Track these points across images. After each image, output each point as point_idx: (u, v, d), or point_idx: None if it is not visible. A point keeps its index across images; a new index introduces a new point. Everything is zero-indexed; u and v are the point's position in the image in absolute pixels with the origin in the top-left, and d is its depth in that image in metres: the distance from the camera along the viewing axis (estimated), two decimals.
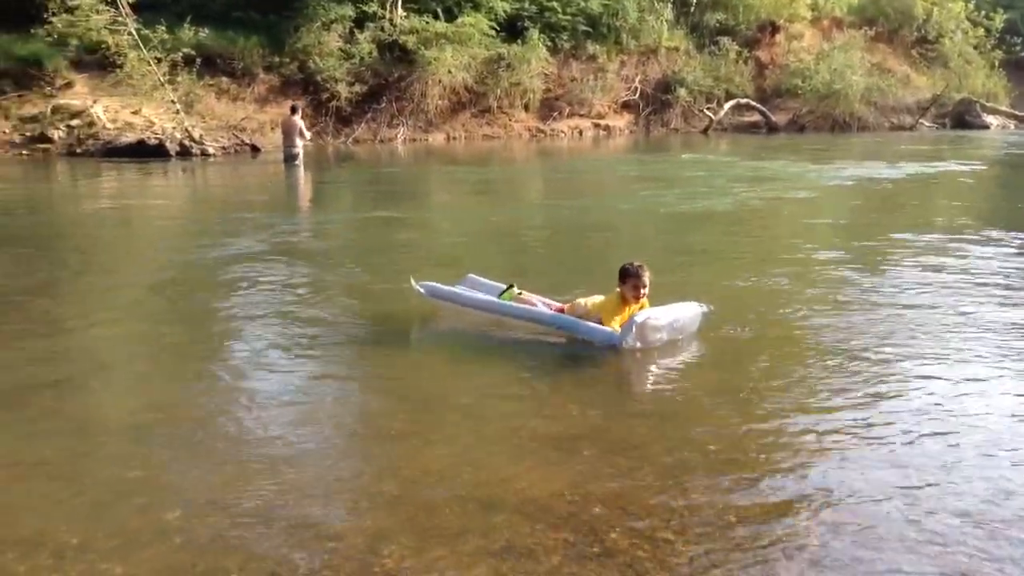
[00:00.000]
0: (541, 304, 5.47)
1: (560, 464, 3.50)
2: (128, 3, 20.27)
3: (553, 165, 20.29)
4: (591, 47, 30.05)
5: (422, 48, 25.38)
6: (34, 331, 5.53)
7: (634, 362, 4.89)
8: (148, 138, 19.95)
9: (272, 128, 22.08)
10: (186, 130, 20.60)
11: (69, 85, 22.42)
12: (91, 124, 20.73)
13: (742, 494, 3.25)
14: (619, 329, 4.95)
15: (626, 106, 30.91)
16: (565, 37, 29.43)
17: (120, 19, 20.16)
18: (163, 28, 21.14)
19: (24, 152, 20.26)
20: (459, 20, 26.50)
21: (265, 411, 4.07)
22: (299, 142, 17.88)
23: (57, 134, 20.66)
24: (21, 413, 4.09)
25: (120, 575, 2.71)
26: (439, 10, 26.83)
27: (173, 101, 21.01)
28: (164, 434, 3.83)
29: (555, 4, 28.97)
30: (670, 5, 31.86)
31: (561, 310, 5.34)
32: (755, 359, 4.87)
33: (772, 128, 30.20)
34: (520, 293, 5.60)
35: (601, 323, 5.03)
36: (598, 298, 5.24)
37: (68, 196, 14.48)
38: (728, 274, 7.24)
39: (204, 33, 22.54)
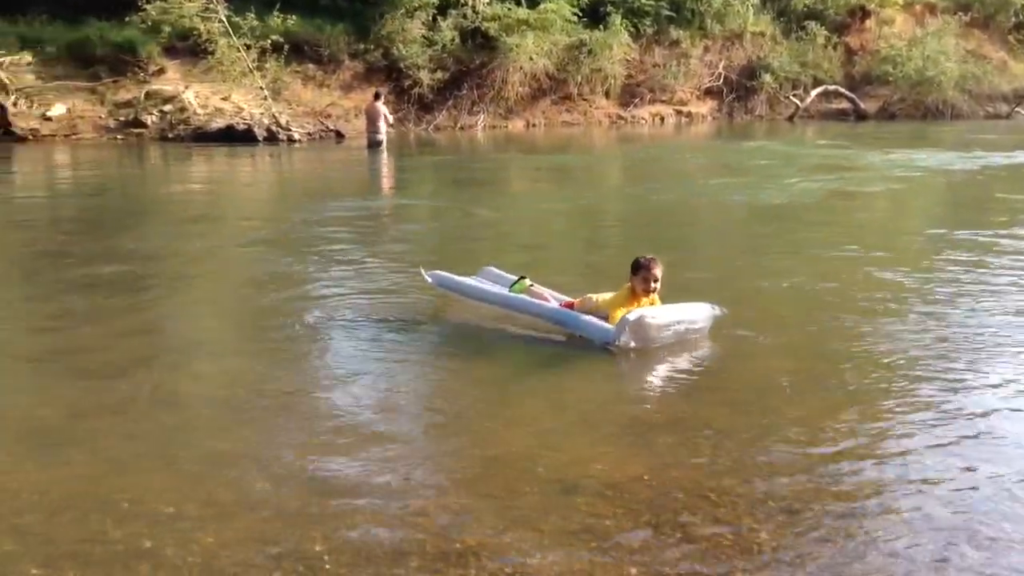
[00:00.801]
0: (552, 298, 5.28)
1: (639, 449, 3.50)
2: None
3: (632, 152, 20.14)
4: (674, 32, 29.63)
5: (503, 35, 25.40)
6: (129, 307, 5.75)
7: (712, 349, 4.85)
8: (237, 124, 20.43)
9: (356, 115, 22.39)
10: (273, 116, 21.03)
11: (162, 71, 23.09)
12: (182, 110, 21.34)
13: (826, 484, 3.21)
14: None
15: (709, 92, 30.43)
16: (648, 22, 29.08)
17: (211, 6, 20.70)
18: (252, 15, 21.65)
19: (119, 136, 20.96)
20: (541, 6, 26.42)
21: (348, 388, 4.17)
22: (383, 128, 18.13)
23: (150, 119, 21.32)
24: (117, 384, 4.26)
25: (212, 544, 2.81)
26: None
27: (261, 87, 21.48)
28: (252, 408, 3.95)
29: None
30: None
31: (571, 305, 5.14)
32: (834, 349, 4.79)
33: (861, 116, 29.39)
34: (531, 285, 5.41)
35: (607, 319, 4.79)
36: (611, 294, 5.02)
37: (160, 179, 14.97)
38: (805, 266, 7.11)
39: (292, 20, 22.96)
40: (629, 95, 28.83)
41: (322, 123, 22.77)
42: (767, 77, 29.77)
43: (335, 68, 25.13)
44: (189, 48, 22.40)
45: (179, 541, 2.81)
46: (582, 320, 4.87)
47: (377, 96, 18.69)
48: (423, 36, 25.29)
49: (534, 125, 26.74)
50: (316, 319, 5.42)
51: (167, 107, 21.55)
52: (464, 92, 25.94)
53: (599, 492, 3.13)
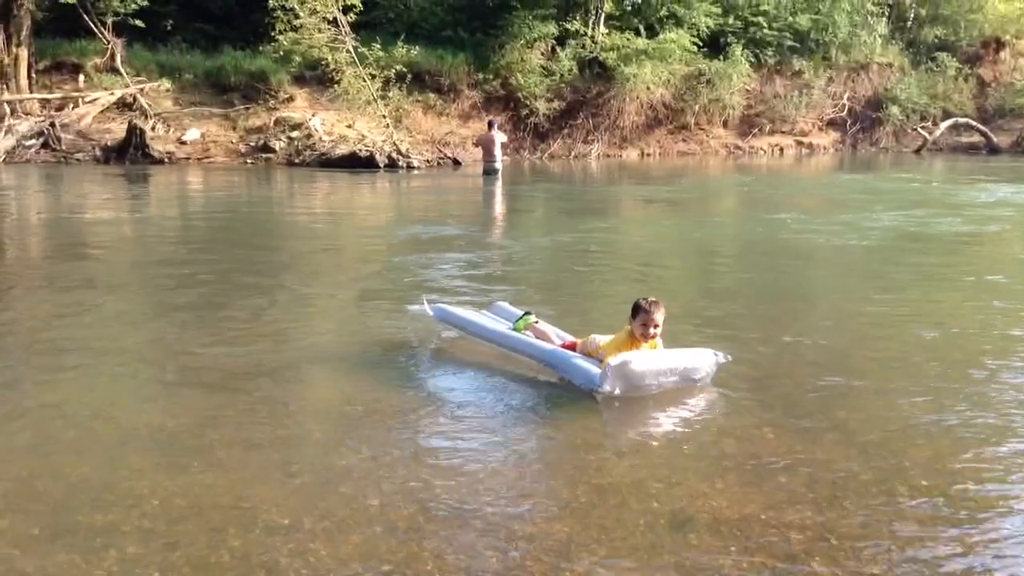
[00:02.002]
0: (556, 337, 5.03)
1: (755, 487, 3.40)
2: (348, 22, 21.51)
3: (749, 183, 19.78)
4: (797, 62, 29.14)
5: (621, 65, 25.46)
6: (252, 321, 5.96)
7: (831, 387, 4.68)
8: (359, 150, 21.04)
9: (474, 144, 22.79)
10: (394, 144, 21.58)
11: (291, 99, 24.07)
12: (309, 136, 22.14)
13: (955, 532, 3.05)
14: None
15: (832, 123, 29.76)
16: (770, 52, 28.70)
17: (340, 37, 21.43)
18: (378, 46, 22.36)
19: (248, 161, 21.89)
20: (660, 36, 26.39)
21: (462, 411, 4.21)
22: (498, 156, 18.36)
23: (278, 145, 22.20)
24: (239, 397, 4.42)
25: (326, 556, 2.86)
26: (641, 27, 26.85)
27: (384, 116, 22.09)
28: (366, 424, 4.02)
29: (761, 19, 28.31)
30: (885, 19, 30.38)
31: (573, 345, 4.88)
32: (962, 392, 4.55)
33: (993, 150, 28.13)
34: (536, 322, 5.18)
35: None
36: (623, 331, 4.71)
37: (285, 201, 15.52)
38: (930, 307, 6.82)
39: (415, 51, 23.58)
40: (748, 125, 28.46)
41: (440, 151, 23.25)
42: (894, 109, 28.92)
43: (455, 97, 25.67)
44: (317, 77, 23.31)
45: (294, 552, 2.87)
46: (571, 363, 4.62)
47: (491, 125, 18.98)
48: (541, 66, 25.59)
49: (649, 154, 26.63)
50: (426, 341, 5.49)
51: (295, 133, 22.40)
52: (579, 121, 26.09)
53: (712, 528, 3.05)
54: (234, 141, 22.80)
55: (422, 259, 8.57)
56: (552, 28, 25.77)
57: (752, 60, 27.90)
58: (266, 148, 22.19)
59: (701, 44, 27.02)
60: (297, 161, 21.49)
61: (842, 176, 21.49)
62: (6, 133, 20.96)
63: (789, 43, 28.85)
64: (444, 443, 3.83)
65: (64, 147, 21.39)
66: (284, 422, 4.12)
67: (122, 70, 23.76)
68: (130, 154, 20.95)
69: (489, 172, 18.30)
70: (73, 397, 4.42)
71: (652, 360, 4.46)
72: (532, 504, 3.25)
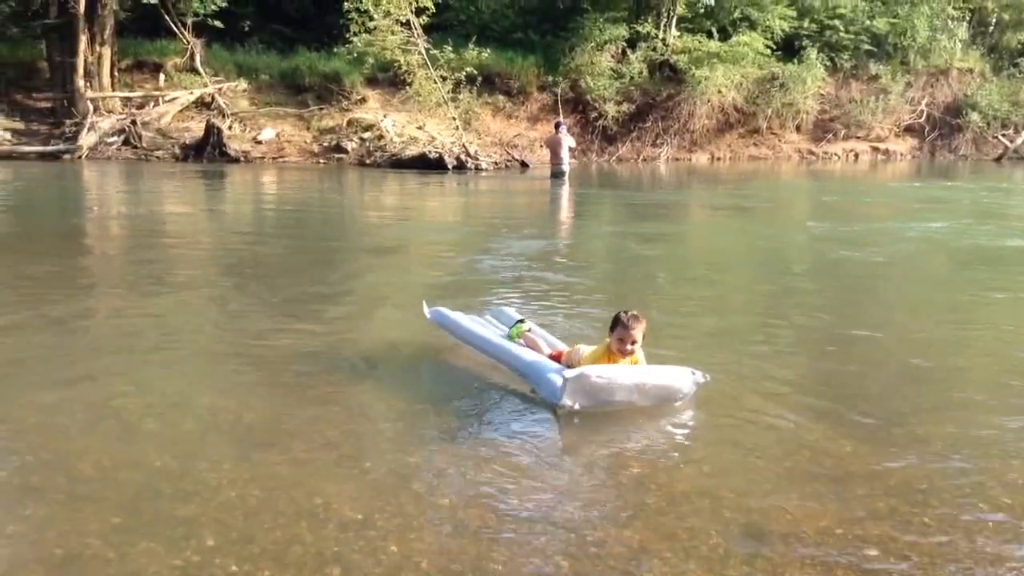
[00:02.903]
0: (546, 345, 4.84)
1: (830, 500, 3.33)
2: (420, 25, 21.73)
3: (823, 189, 19.42)
4: (874, 67, 28.53)
5: (693, 67, 25.24)
6: (324, 316, 6.05)
7: (914, 401, 4.57)
8: (429, 152, 21.25)
9: (540, 145, 22.82)
10: (463, 145, 21.73)
11: (363, 100, 24.42)
12: (380, 137, 22.44)
13: None
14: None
15: (909, 130, 29.05)
16: (846, 56, 28.16)
17: (412, 40, 21.67)
18: (450, 48, 22.55)
19: (321, 161, 22.26)
20: (733, 39, 26.10)
21: (530, 414, 4.20)
22: (566, 158, 18.33)
23: (350, 145, 22.54)
24: (314, 393, 4.49)
25: (396, 554, 2.89)
26: (714, 29, 26.59)
27: (454, 118, 22.26)
28: (438, 424, 4.04)
29: (837, 23, 27.80)
30: (965, 24, 29.55)
31: (559, 356, 4.68)
32: None
33: None
34: (528, 330, 5.01)
35: None
36: (602, 344, 4.50)
37: (356, 200, 15.75)
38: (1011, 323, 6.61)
39: (486, 54, 23.71)
40: (822, 130, 27.97)
41: (508, 153, 23.33)
42: (974, 115, 28.11)
43: (524, 100, 25.76)
44: (389, 79, 23.61)
45: (366, 549, 2.91)
46: (541, 376, 4.34)
47: (558, 127, 18.95)
48: (611, 69, 25.51)
49: (719, 159, 26.35)
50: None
51: (366, 134, 22.72)
52: (648, 124, 25.94)
53: (787, 541, 3.00)
54: (308, 141, 23.22)
55: (486, 260, 8.61)
56: (623, 30, 25.68)
57: (827, 64, 27.41)
58: (339, 148, 22.54)
59: (775, 47, 26.65)
60: (368, 162, 21.78)
61: (919, 184, 20.95)
62: (89, 130, 21.67)
63: (866, 47, 28.26)
64: (513, 445, 3.83)
65: (144, 144, 22.03)
66: (356, 418, 4.18)
67: (201, 70, 24.38)
68: (207, 152, 21.48)
69: (556, 175, 18.29)
70: (153, 389, 4.54)
71: (614, 375, 4.19)
72: (601, 510, 3.24)
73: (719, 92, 25.56)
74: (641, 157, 25.59)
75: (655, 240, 10.59)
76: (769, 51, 26.42)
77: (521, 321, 5.15)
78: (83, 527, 3.02)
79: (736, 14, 27.05)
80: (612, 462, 3.70)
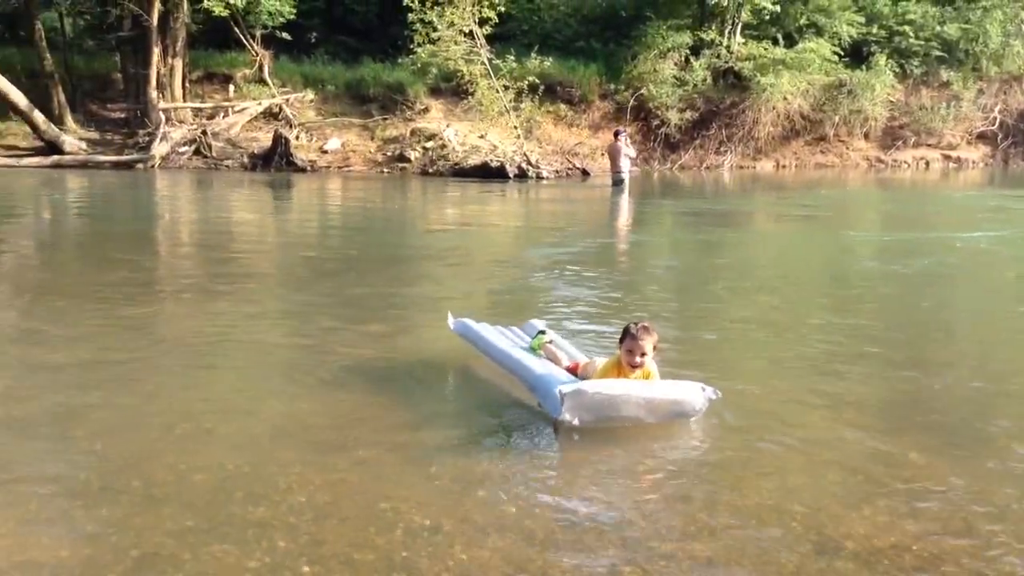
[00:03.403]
0: (566, 358, 4.73)
1: (905, 516, 3.25)
2: (483, 35, 21.88)
3: (893, 197, 19.01)
4: (944, 73, 27.88)
5: (758, 74, 24.96)
6: (390, 322, 6.11)
7: (990, 416, 4.43)
8: (491, 161, 21.36)
9: (602, 153, 22.78)
10: (524, 154, 21.79)
11: (426, 110, 24.67)
12: (443, 146, 22.62)
13: None
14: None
15: (982, 137, 28.31)
16: (916, 63, 27.57)
17: (476, 50, 21.83)
18: (512, 58, 22.66)
19: (385, 170, 22.54)
20: (799, 46, 25.76)
21: (589, 429, 4.18)
22: (625, 167, 18.24)
23: (414, 155, 22.76)
24: (382, 399, 4.54)
25: (464, 561, 2.90)
26: (779, 36, 26.27)
27: (516, 127, 22.33)
28: (503, 432, 4.05)
29: (907, 28, 27.24)
30: None
31: (575, 368, 4.56)
32: None
33: None
34: (549, 342, 4.88)
35: None
36: (613, 357, 4.37)
37: (419, 208, 15.89)
38: None
39: (548, 62, 23.76)
40: (890, 138, 27.42)
41: (569, 161, 23.32)
42: None
43: (585, 108, 25.75)
44: (452, 89, 23.82)
45: (434, 555, 2.93)
46: (547, 390, 4.18)
47: (617, 135, 18.87)
48: (674, 76, 25.35)
49: (784, 166, 25.99)
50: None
51: (429, 144, 22.93)
52: (712, 132, 25.73)
53: (860, 557, 2.93)
54: (372, 151, 23.53)
55: (539, 269, 8.62)
56: (687, 38, 25.52)
57: (896, 70, 26.86)
58: (402, 158, 22.79)
59: (842, 54, 26.22)
60: (431, 171, 21.98)
61: (993, 192, 20.38)
62: (162, 140, 22.26)
63: (937, 53, 27.63)
64: (581, 455, 3.82)
65: (214, 154, 22.56)
66: (420, 424, 4.20)
67: (269, 81, 24.89)
68: (275, 162, 21.90)
69: (615, 183, 18.25)
70: (224, 393, 4.64)
71: (618, 390, 4.02)
72: (669, 523, 3.21)
73: (785, 99, 25.23)
74: (704, 165, 25.36)
75: (715, 249, 10.49)
76: (836, 58, 25.99)
77: (542, 332, 5.01)
78: (158, 528, 3.09)
79: (802, 20, 26.69)
80: (680, 475, 3.66)
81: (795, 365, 5.31)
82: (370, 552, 2.94)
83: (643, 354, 4.14)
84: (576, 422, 3.98)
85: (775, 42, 26.20)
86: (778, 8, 25.68)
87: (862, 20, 26.92)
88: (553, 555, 2.93)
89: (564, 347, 4.92)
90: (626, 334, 4.20)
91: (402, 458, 3.74)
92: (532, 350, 4.86)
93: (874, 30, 27.29)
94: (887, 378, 5.11)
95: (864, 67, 26.37)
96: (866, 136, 27.20)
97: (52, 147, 22.70)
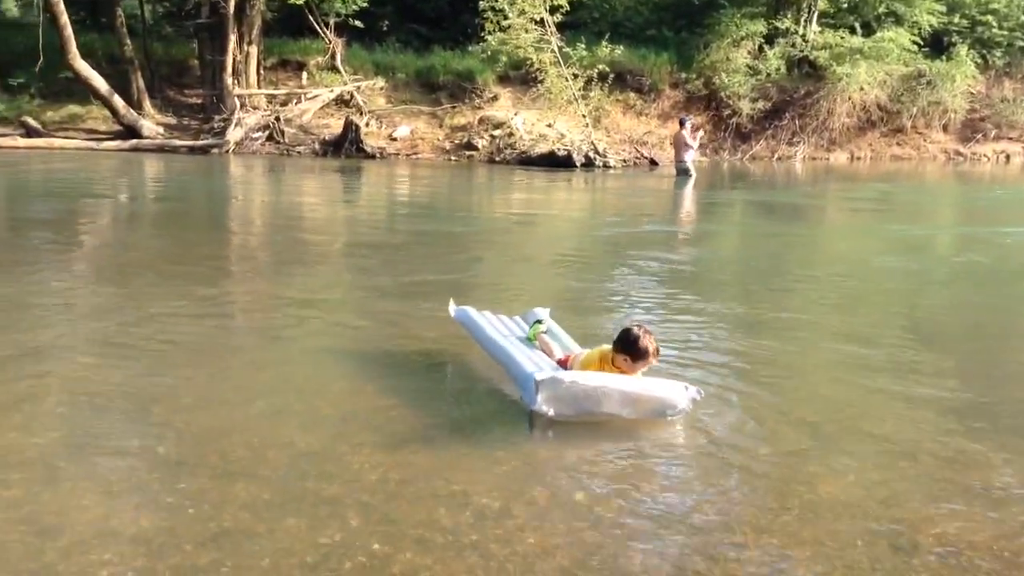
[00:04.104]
0: (559, 348, 4.57)
1: (984, 515, 3.15)
2: (554, 23, 21.80)
3: (971, 191, 18.45)
4: None
5: (834, 64, 24.41)
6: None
7: None
8: (558, 149, 21.29)
9: (670, 143, 22.55)
10: (592, 143, 21.67)
11: (495, 98, 24.69)
12: (510, 135, 22.61)
13: None
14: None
15: None
16: (999, 54, 26.68)
17: (546, 37, 21.76)
18: (583, 46, 22.53)
19: (452, 158, 22.63)
20: (878, 35, 25.10)
21: (663, 420, 4.15)
22: (688, 156, 17.99)
23: (481, 143, 22.81)
24: (449, 382, 4.59)
25: (533, 545, 2.91)
26: (857, 25, 25.65)
27: (584, 115, 22.22)
28: (560, 421, 4.04)
29: (990, 18, 26.35)
30: None
31: (566, 360, 4.39)
32: None
33: None
34: (545, 331, 4.74)
35: None
36: (597, 350, 4.23)
37: (485, 196, 15.94)
38: None
39: (619, 51, 23.57)
40: (970, 130, 26.58)
41: (637, 151, 23.13)
42: None
43: (655, 97, 25.49)
44: (521, 77, 23.80)
45: (503, 539, 2.94)
46: (525, 381, 4.04)
47: (682, 123, 18.59)
48: (747, 65, 24.94)
49: (859, 158, 25.41)
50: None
51: (497, 132, 22.94)
52: (785, 122, 25.25)
53: (939, 556, 2.86)
54: (440, 138, 23.65)
55: (607, 257, 8.57)
56: (761, 26, 25.05)
57: (978, 61, 26.01)
58: (469, 146, 22.86)
59: (922, 43, 25.48)
60: (498, 159, 22.00)
61: None
62: (236, 125, 22.68)
63: (1021, 44, 26.68)
64: (649, 443, 3.80)
65: (287, 140, 22.90)
66: (489, 409, 4.22)
67: (341, 68, 25.18)
68: (345, 148, 22.14)
69: (679, 172, 18.04)
70: (296, 373, 4.72)
71: (596, 381, 3.88)
72: (740, 513, 3.17)
73: (861, 89, 24.62)
74: (776, 156, 24.93)
75: (781, 243, 10.31)
76: (916, 47, 25.27)
77: (539, 322, 4.84)
78: (234, 501, 3.16)
79: (881, 9, 26.01)
80: (751, 467, 3.61)
81: (867, 362, 5.19)
82: (439, 533, 2.97)
83: (642, 369, 4.07)
84: (551, 413, 3.86)
85: (852, 31, 25.57)
86: None
87: (943, 9, 26.12)
88: (622, 543, 2.92)
89: (561, 338, 4.76)
90: (638, 350, 4.01)
91: (470, 442, 3.77)
92: (529, 340, 4.73)
93: (956, 19, 26.47)
94: (966, 375, 4.96)
95: (944, 57, 25.60)
96: (944, 128, 26.41)
97: (131, 131, 23.31)
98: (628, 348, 4.02)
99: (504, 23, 21.76)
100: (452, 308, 5.32)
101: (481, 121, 23.60)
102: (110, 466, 3.47)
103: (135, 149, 22.42)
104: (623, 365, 4.03)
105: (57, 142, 22.84)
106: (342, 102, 24.80)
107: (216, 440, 3.72)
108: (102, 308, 6.20)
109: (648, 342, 4.01)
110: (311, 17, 24.80)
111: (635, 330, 4.07)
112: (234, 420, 3.96)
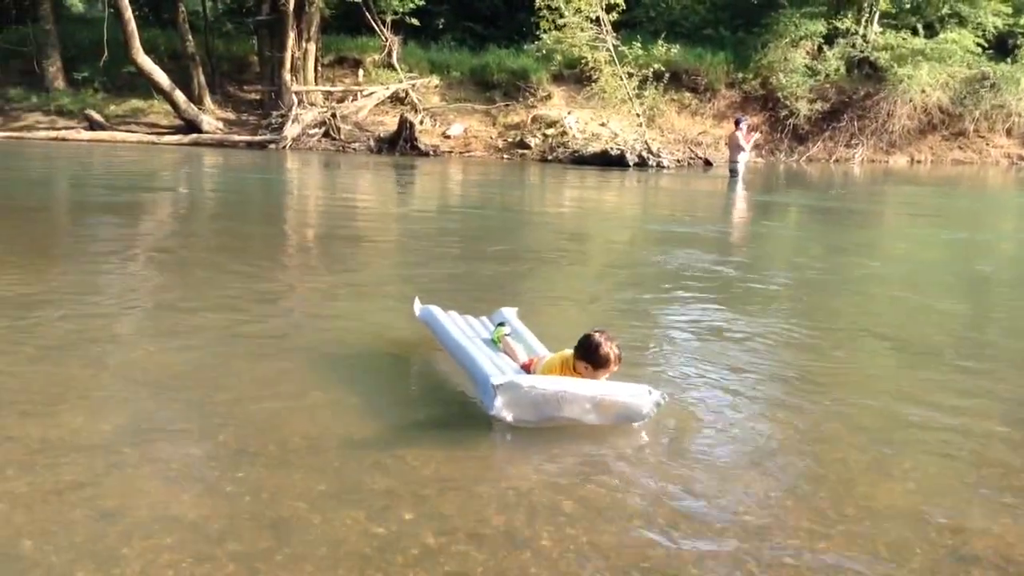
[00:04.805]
0: (523, 351, 4.45)
1: None
2: (610, 21, 21.73)
3: None
4: None
5: (895, 65, 23.97)
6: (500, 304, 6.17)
7: None
8: (611, 149, 21.22)
9: (725, 143, 22.35)
10: (645, 143, 21.55)
11: (548, 97, 24.69)
12: (563, 134, 22.60)
13: None
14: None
15: None
16: None
17: (601, 36, 21.70)
18: (639, 45, 22.42)
19: (505, 156, 22.69)
20: (940, 36, 24.60)
21: (718, 415, 4.11)
22: (740, 157, 17.78)
23: (534, 141, 22.83)
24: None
25: (585, 544, 2.91)
26: (919, 25, 25.16)
27: (638, 115, 22.12)
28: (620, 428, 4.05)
29: None
30: None
31: (529, 364, 4.28)
32: None
33: None
34: (509, 333, 4.62)
35: None
36: (559, 355, 4.12)
37: (537, 194, 15.95)
38: None
39: (675, 50, 23.40)
40: None
41: (692, 151, 22.96)
42: None
43: (711, 97, 25.29)
44: (575, 76, 23.78)
45: (556, 536, 2.94)
46: (484, 385, 3.90)
47: (737, 123, 18.37)
48: (806, 66, 24.62)
49: (919, 161, 24.93)
50: (683, 341, 5.46)
51: (550, 130, 22.95)
52: (843, 124, 24.90)
53: (998, 566, 2.81)
54: (493, 136, 23.72)
55: (652, 263, 8.53)
56: (821, 26, 24.71)
57: None
58: (522, 144, 22.89)
59: (986, 45, 24.91)
60: (550, 158, 22.00)
61: None
62: (293, 121, 22.99)
63: None
64: (700, 445, 3.77)
65: (342, 136, 23.15)
66: None
67: (397, 66, 25.37)
68: (400, 146, 22.32)
69: (732, 173, 17.84)
70: (351, 366, 4.76)
71: (556, 386, 3.77)
72: (797, 519, 3.13)
73: (922, 92, 24.15)
74: (833, 158, 24.57)
75: (837, 249, 10.15)
76: (980, 49, 24.71)
77: (502, 324, 4.73)
78: (291, 491, 3.21)
79: (945, 10, 25.49)
80: (806, 471, 3.57)
81: (929, 370, 5.10)
82: (493, 528, 2.99)
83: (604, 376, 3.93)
84: (510, 419, 3.75)
85: (914, 32, 25.10)
86: None
87: (1009, 11, 25.51)
88: (676, 543, 2.91)
89: (527, 340, 4.62)
90: (600, 358, 3.88)
91: (524, 439, 3.77)
92: (493, 343, 4.63)
93: (1021, 21, 25.81)
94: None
95: (1009, 60, 25.00)
96: (1008, 132, 25.79)
97: (191, 126, 23.77)
98: (589, 355, 3.90)
99: (560, 21, 21.76)
100: (416, 307, 5.17)
101: (534, 120, 23.62)
102: (171, 453, 3.54)
103: (195, 143, 22.86)
104: (584, 372, 3.92)
105: (119, 135, 23.39)
106: (397, 100, 25.00)
107: (274, 430, 3.78)
108: (164, 297, 6.33)
109: (609, 349, 3.88)
110: (368, 15, 25.04)
111: (596, 336, 3.93)
112: (290, 410, 4.02)
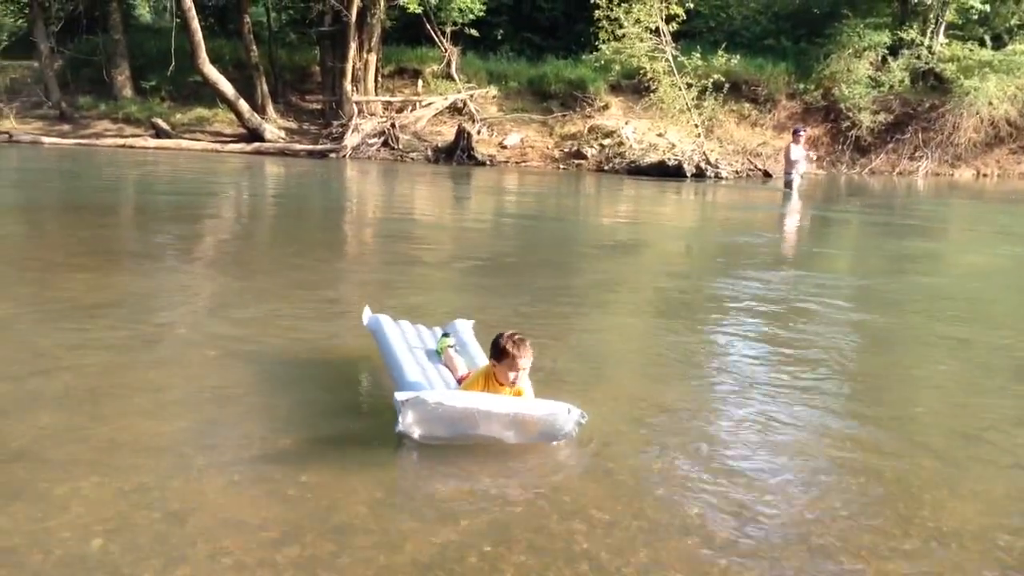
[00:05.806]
0: (463, 364, 4.37)
1: None
2: (669, 32, 21.62)
3: None
4: None
5: (961, 77, 23.44)
6: (560, 318, 6.16)
7: None
8: (668, 159, 21.09)
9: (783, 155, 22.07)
10: (704, 153, 21.38)
11: (606, 107, 24.66)
12: (620, 144, 22.53)
13: None
14: None
15: None
16: None
17: (661, 47, 21.60)
18: (698, 55, 22.26)
19: (561, 166, 22.70)
20: (1009, 48, 24.02)
21: (779, 428, 4.06)
22: (795, 170, 17.48)
23: (590, 151, 22.80)
24: (557, 394, 4.59)
25: (643, 559, 2.89)
26: (987, 37, 24.59)
27: (696, 125, 21.96)
28: (679, 432, 3.98)
29: None
30: None
31: (463, 379, 4.19)
32: None
33: None
34: (452, 345, 4.52)
35: None
36: (481, 368, 4.07)
37: (592, 205, 15.93)
38: None
39: (735, 60, 23.20)
40: None
41: (751, 162, 22.72)
42: None
43: (771, 108, 25.01)
44: (632, 86, 23.71)
45: (614, 549, 2.93)
46: (398, 400, 3.69)
47: (795, 133, 18.05)
48: (869, 77, 24.21)
49: (985, 175, 24.34)
50: (735, 352, 5.40)
51: (606, 141, 22.90)
52: (907, 136, 24.41)
53: None
54: (549, 147, 23.75)
55: (706, 275, 8.45)
56: (885, 37, 24.28)
57: None
58: (578, 154, 22.89)
59: None
60: (607, 168, 21.95)
61: None
62: (354, 131, 23.28)
63: None
64: (761, 461, 3.72)
65: (401, 146, 23.38)
66: (596, 420, 4.20)
67: (456, 77, 25.54)
68: (457, 156, 22.48)
69: (787, 185, 17.55)
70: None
71: (467, 402, 3.65)
72: (860, 538, 3.07)
73: (990, 104, 23.58)
74: (896, 171, 24.10)
75: (899, 267, 9.94)
76: None
77: (446, 335, 4.64)
78: (352, 497, 3.25)
79: (1013, 21, 24.91)
80: (872, 491, 3.50)
81: (999, 387, 4.97)
82: (551, 540, 2.98)
83: (519, 369, 3.82)
84: (416, 436, 3.64)
85: (982, 43, 24.55)
86: (988, 7, 24.05)
87: None
88: (736, 561, 2.88)
89: (471, 353, 4.52)
90: (501, 352, 3.81)
91: (581, 451, 3.76)
92: (437, 354, 4.55)
93: None
94: None
95: None
96: None
97: (254, 135, 24.22)
98: (494, 353, 3.86)
99: (619, 32, 21.71)
100: (366, 315, 5.03)
101: (591, 130, 23.59)
102: (234, 457, 3.60)
103: (257, 152, 23.29)
104: (500, 375, 3.85)
105: (184, 143, 23.93)
106: (455, 110, 25.18)
107: (333, 437, 3.82)
108: (227, 302, 6.46)
109: (506, 341, 3.81)
110: (428, 26, 25.28)
111: (500, 335, 3.89)
112: (349, 419, 4.07)
